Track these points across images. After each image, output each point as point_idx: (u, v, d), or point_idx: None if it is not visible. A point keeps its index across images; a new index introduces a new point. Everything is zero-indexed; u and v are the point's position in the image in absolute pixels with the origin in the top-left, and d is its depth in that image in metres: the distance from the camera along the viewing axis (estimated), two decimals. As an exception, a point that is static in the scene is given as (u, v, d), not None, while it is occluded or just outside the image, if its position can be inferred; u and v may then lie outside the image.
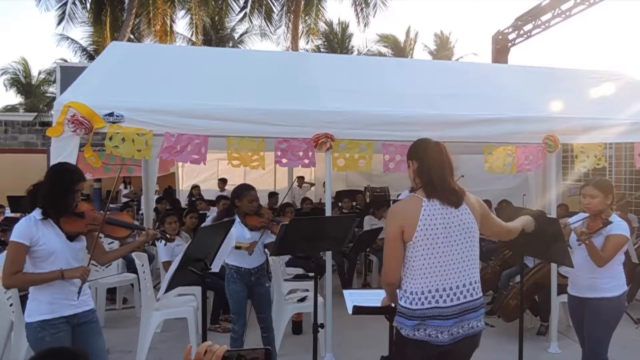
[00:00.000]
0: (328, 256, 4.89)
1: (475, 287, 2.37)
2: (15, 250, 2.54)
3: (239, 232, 3.81)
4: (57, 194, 2.63)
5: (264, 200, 8.97)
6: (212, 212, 7.30)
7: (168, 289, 2.90)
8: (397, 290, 2.40)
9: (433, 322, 2.26)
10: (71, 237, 2.70)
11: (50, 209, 2.62)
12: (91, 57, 18.81)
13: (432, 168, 2.38)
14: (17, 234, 2.54)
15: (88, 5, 18.62)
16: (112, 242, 5.47)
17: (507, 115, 4.64)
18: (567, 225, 3.34)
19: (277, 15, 21.52)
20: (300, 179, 10.72)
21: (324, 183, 8.13)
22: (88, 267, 2.68)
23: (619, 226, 3.16)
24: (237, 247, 3.73)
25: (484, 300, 2.43)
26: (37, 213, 2.61)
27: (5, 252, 4.26)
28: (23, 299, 3.77)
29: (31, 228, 2.56)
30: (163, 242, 4.84)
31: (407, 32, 26.82)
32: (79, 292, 2.66)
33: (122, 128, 3.90)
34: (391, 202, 8.23)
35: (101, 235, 2.92)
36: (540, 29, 11.61)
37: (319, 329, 3.42)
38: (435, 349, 2.27)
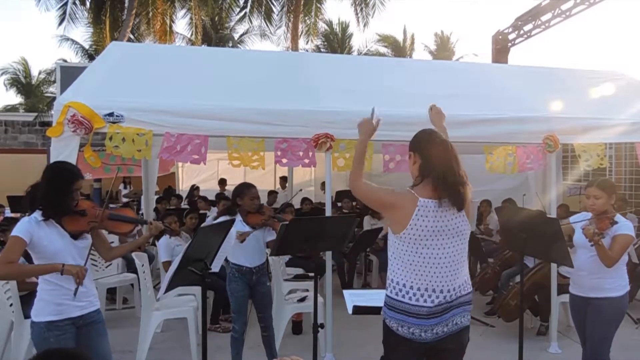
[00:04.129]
0: (328, 256, 4.90)
1: (463, 286, 2.32)
2: (13, 242, 2.52)
3: (240, 230, 3.81)
4: (55, 194, 2.59)
5: (263, 200, 9.00)
6: (212, 212, 7.30)
7: (168, 289, 2.89)
8: (387, 280, 2.38)
9: (416, 321, 2.22)
10: (75, 236, 2.68)
11: (49, 209, 2.58)
12: (91, 58, 18.78)
13: (435, 167, 2.26)
14: (18, 229, 2.53)
15: (88, 4, 18.60)
16: (112, 242, 5.45)
17: (507, 115, 4.64)
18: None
19: (277, 15, 21.52)
20: (283, 179, 10.63)
21: (323, 183, 8.13)
22: (85, 266, 2.64)
23: (625, 226, 3.17)
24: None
25: (473, 297, 2.38)
26: (37, 214, 2.58)
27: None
28: (23, 299, 3.79)
29: (32, 227, 2.54)
30: (168, 236, 4.93)
31: (404, 32, 26.93)
32: (74, 293, 2.58)
33: (122, 128, 3.90)
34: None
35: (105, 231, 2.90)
36: (540, 29, 11.59)
37: (319, 329, 3.42)
38: (420, 345, 2.26)
